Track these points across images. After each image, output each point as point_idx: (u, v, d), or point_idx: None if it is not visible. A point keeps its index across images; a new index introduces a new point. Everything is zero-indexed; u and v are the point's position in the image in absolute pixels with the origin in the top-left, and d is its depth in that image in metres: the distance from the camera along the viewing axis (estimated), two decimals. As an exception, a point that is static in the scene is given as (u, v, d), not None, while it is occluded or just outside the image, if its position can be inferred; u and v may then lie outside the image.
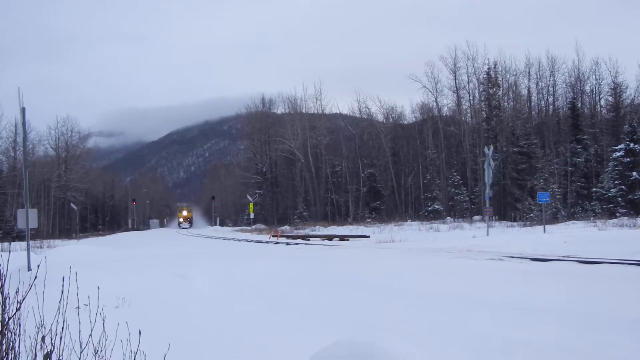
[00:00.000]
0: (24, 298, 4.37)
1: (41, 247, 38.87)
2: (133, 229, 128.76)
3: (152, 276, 14.65)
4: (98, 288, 5.55)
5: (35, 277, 4.44)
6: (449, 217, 64.55)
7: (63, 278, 4.62)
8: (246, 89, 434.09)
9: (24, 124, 16.84)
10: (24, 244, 20.70)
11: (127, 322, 4.80)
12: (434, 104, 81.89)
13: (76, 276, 4.91)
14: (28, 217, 16.52)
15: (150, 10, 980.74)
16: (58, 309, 4.43)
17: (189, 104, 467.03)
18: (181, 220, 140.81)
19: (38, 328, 4.47)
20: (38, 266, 4.72)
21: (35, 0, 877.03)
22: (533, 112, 76.00)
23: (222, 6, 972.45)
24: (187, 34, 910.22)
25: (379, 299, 11.81)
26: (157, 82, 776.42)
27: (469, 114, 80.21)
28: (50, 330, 4.39)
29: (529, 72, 74.25)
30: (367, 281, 14.63)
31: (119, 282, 12.93)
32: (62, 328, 4.41)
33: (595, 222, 41.64)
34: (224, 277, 15.37)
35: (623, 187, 51.82)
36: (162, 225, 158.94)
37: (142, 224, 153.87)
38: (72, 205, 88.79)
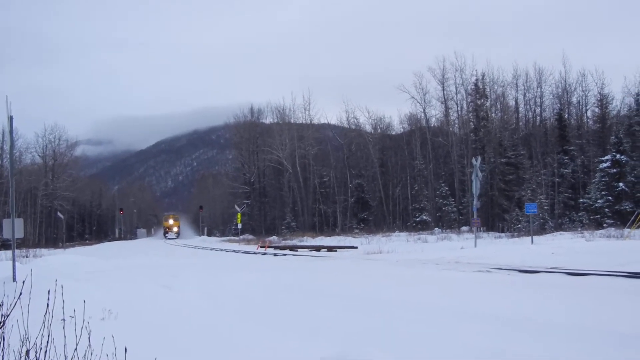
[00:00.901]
0: (9, 314, 4.31)
1: (27, 257, 38.68)
2: (120, 239, 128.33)
3: (139, 287, 14.56)
4: (84, 301, 5.49)
5: (20, 293, 4.38)
6: (436, 228, 64.58)
7: (49, 291, 4.57)
8: (235, 97, 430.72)
9: (11, 132, 16.77)
10: (9, 252, 20.54)
11: (113, 336, 4.74)
12: (422, 114, 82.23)
13: (62, 289, 4.85)
14: (14, 227, 16.40)
15: (141, 18, 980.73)
16: (43, 322, 4.37)
17: (178, 113, 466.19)
18: (167, 229, 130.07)
19: (22, 342, 4.40)
20: (23, 282, 4.66)
21: (26, 7, 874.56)
22: (520, 123, 76.28)
23: (212, 16, 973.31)
24: (177, 43, 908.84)
25: (368, 310, 11.77)
26: (148, 90, 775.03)
27: (456, 125, 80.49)
28: (35, 344, 4.33)
29: (516, 84, 74.57)
30: (356, 293, 14.59)
31: (105, 293, 12.83)
32: (47, 342, 4.35)
33: (582, 233, 41.78)
34: (212, 288, 15.30)
35: (610, 197, 52.04)
36: (149, 234, 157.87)
37: (130, 234, 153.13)
38: (58, 214, 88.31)
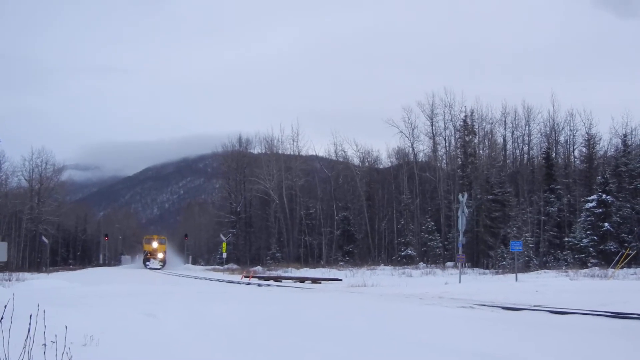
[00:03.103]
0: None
1: (10, 280, 38.38)
2: (104, 265, 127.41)
3: (122, 314, 14.47)
4: (66, 327, 5.48)
5: (2, 317, 4.37)
6: (421, 263, 64.51)
7: (30, 316, 4.56)
8: (225, 126, 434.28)
9: (-2, 155, 16.73)
10: (-8, 276, 20.41)
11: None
12: (410, 149, 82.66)
13: (44, 314, 4.84)
14: (-3, 250, 16.33)
15: (131, 44, 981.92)
16: (24, 347, 4.36)
17: (167, 140, 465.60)
18: (149, 255, 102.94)
19: (2, 366, 4.39)
20: (5, 306, 4.65)
21: (14, 31, 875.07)
22: (508, 161, 76.83)
23: (203, 44, 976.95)
24: (168, 70, 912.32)
25: (350, 344, 11.73)
26: (137, 117, 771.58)
27: (444, 161, 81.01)
28: (15, 368, 4.32)
29: (505, 121, 75.12)
30: (337, 325, 14.53)
31: (87, 319, 12.74)
32: (27, 367, 4.34)
33: (566, 272, 41.86)
34: (194, 317, 15.22)
35: (595, 237, 52.22)
36: (133, 261, 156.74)
37: (114, 260, 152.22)
38: (43, 238, 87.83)
